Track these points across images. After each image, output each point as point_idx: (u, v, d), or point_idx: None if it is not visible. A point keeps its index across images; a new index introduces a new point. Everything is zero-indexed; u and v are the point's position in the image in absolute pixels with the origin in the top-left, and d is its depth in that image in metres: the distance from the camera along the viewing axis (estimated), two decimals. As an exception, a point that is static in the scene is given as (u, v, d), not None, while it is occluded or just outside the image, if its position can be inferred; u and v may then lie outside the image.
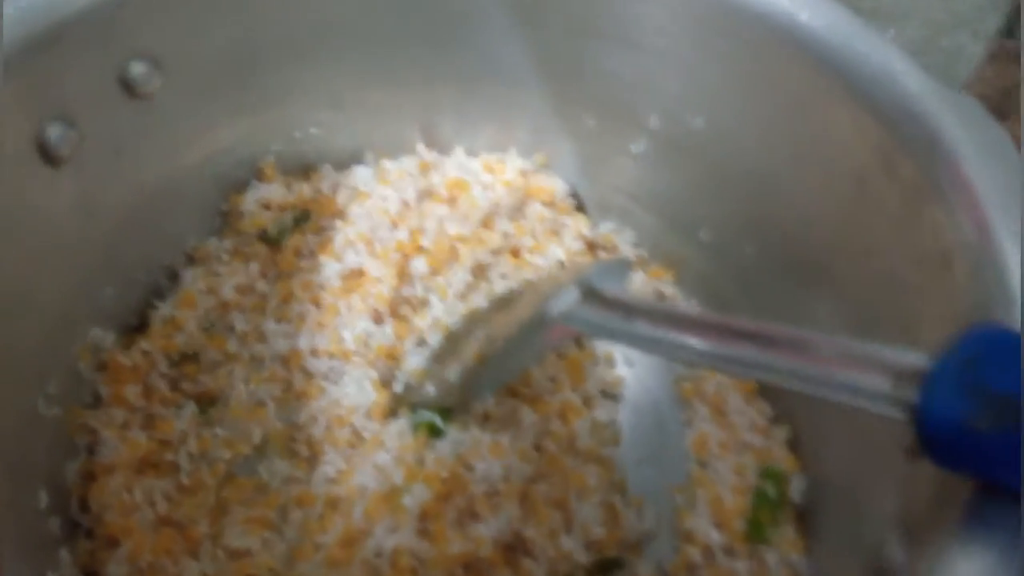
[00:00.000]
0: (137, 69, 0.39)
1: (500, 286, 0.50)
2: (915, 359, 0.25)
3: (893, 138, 0.35)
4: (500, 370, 0.41)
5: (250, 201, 0.48)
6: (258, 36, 0.43)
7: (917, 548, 0.24)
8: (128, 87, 0.39)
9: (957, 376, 0.23)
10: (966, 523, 0.23)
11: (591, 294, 0.37)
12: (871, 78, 0.36)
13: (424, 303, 0.49)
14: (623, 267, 0.41)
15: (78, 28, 0.36)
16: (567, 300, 0.38)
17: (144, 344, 0.44)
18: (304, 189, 0.49)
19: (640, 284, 0.52)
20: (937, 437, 0.23)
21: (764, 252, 0.45)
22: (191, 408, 0.44)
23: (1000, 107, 0.68)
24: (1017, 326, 0.26)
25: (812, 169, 0.40)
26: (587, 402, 0.47)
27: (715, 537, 0.41)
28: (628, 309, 0.35)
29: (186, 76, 0.41)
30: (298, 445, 0.44)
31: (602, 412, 0.47)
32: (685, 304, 0.50)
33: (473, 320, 0.45)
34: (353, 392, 0.45)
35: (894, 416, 0.25)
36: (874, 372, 0.26)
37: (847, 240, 0.38)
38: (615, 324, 0.35)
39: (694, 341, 0.32)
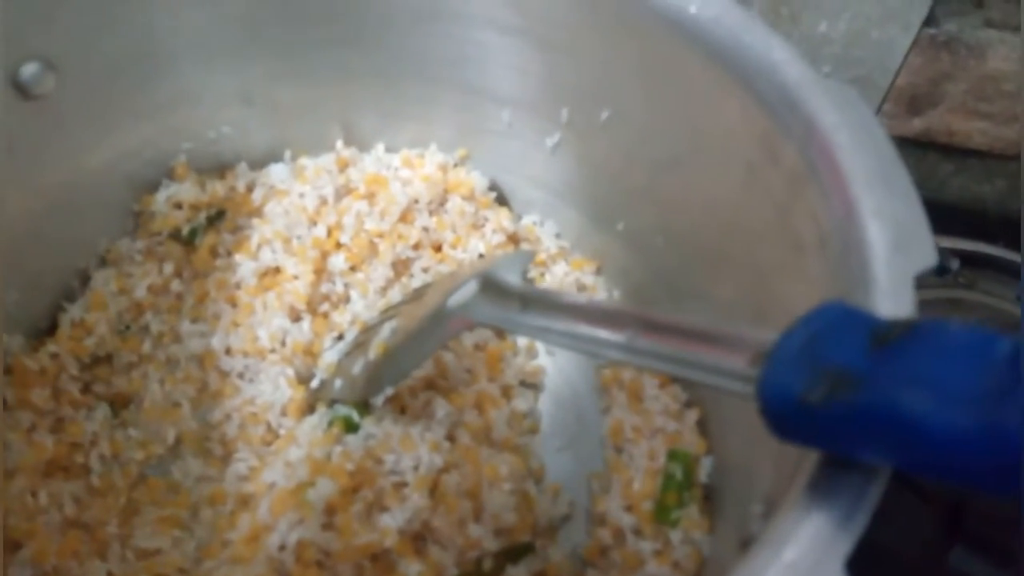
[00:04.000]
0: (29, 71, 0.39)
1: (421, 281, 0.50)
2: (769, 338, 0.25)
3: (775, 125, 0.35)
4: (402, 363, 0.41)
5: (161, 201, 0.48)
6: (156, 37, 0.43)
7: (771, 518, 0.24)
8: (20, 89, 0.39)
9: (796, 352, 0.24)
10: (808, 493, 0.23)
11: (489, 286, 0.38)
12: (754, 68, 0.36)
13: (345, 299, 0.50)
14: (525, 258, 0.42)
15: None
16: (466, 292, 0.38)
17: (52, 347, 0.44)
18: (218, 188, 0.49)
19: (562, 275, 0.53)
20: (774, 411, 0.23)
21: (672, 242, 0.46)
22: (104, 410, 0.44)
23: (931, 95, 0.70)
24: (872, 302, 0.27)
25: (708, 156, 0.41)
26: (506, 392, 0.48)
27: (626, 520, 0.42)
28: (523, 299, 0.36)
29: (82, 77, 0.41)
30: (212, 444, 0.44)
31: (521, 402, 0.48)
32: (602, 295, 0.51)
33: (385, 314, 0.45)
34: (268, 390, 0.45)
35: (748, 394, 0.25)
36: (733, 352, 0.26)
37: (741, 227, 0.39)
38: (511, 315, 0.36)
39: (582, 328, 0.33)
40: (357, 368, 0.42)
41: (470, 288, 0.38)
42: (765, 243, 0.37)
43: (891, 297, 0.27)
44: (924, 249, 0.28)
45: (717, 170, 0.40)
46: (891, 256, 0.29)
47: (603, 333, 0.32)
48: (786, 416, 0.23)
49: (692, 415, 0.44)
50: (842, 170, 0.32)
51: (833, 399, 0.22)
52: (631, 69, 0.42)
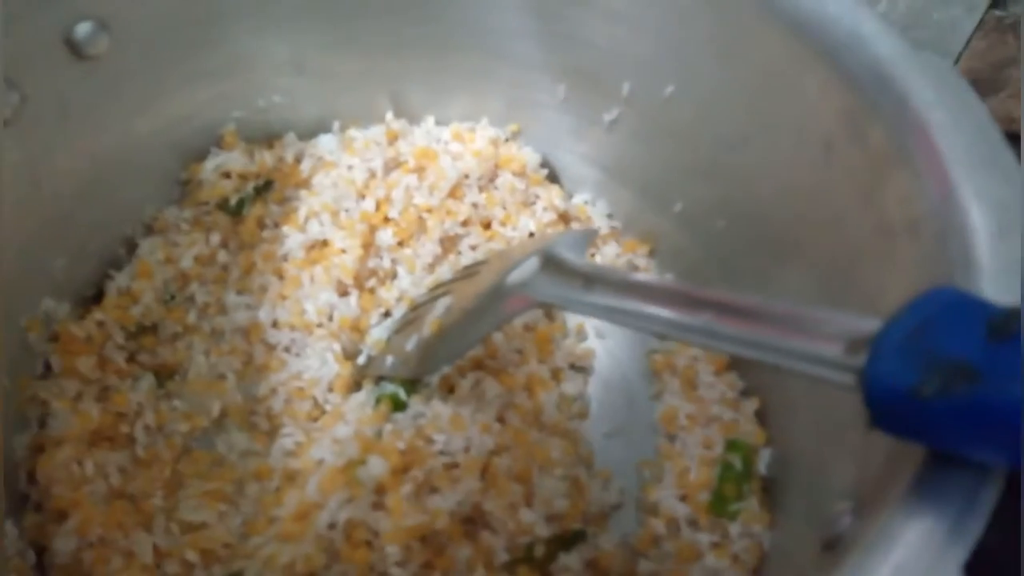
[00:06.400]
0: (83, 30, 0.38)
1: (469, 258, 0.49)
2: (868, 324, 0.24)
3: (862, 103, 0.33)
4: (457, 341, 0.40)
5: (209, 170, 0.47)
6: (210, 1, 0.41)
7: (866, 518, 0.23)
8: (74, 48, 0.38)
9: (906, 341, 0.22)
10: (915, 492, 0.22)
11: (550, 263, 0.36)
12: (841, 41, 0.34)
13: (391, 275, 0.49)
14: (587, 237, 0.40)
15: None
16: (526, 270, 0.37)
17: (98, 315, 0.43)
18: (266, 158, 0.48)
19: (614, 257, 0.51)
20: (883, 404, 0.22)
21: (735, 224, 0.44)
22: (149, 380, 0.43)
23: (993, 80, 0.67)
24: (976, 290, 0.25)
25: (781, 136, 0.39)
26: (555, 375, 0.47)
27: (680, 510, 0.40)
28: (587, 278, 0.34)
29: (136, 39, 0.40)
30: (258, 418, 0.43)
31: (570, 385, 0.47)
32: (653, 275, 0.50)
33: (436, 291, 0.44)
34: (315, 365, 0.44)
35: (847, 384, 0.24)
36: (827, 339, 0.25)
37: (816, 209, 0.37)
38: (573, 294, 0.35)
39: (652, 309, 0.31)
40: (410, 345, 0.41)
41: (531, 265, 0.37)
42: (845, 227, 0.35)
43: (998, 282, 0.26)
44: (1033, 234, 0.26)
45: (790, 149, 0.38)
46: (996, 242, 0.27)
47: (677, 315, 0.30)
48: (896, 409, 0.21)
49: (751, 404, 0.43)
50: (939, 150, 0.30)
51: (949, 392, 0.20)
52: (702, 41, 0.41)
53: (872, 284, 0.32)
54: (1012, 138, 0.73)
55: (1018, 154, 0.30)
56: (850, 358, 0.24)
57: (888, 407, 0.22)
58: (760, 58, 0.38)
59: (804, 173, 0.38)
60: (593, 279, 0.34)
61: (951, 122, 0.30)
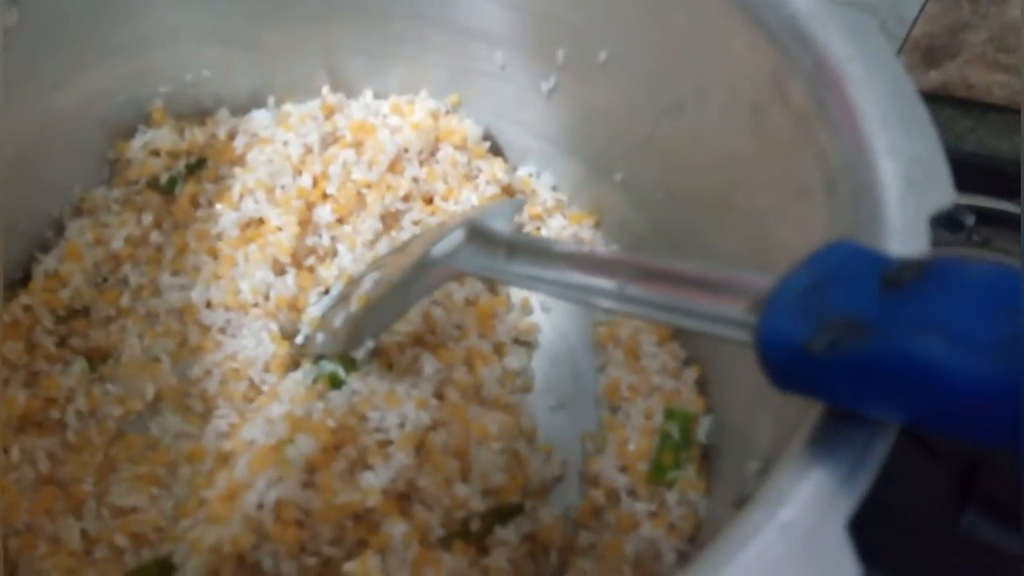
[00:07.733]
0: (-12, 2, 0.36)
1: (411, 234, 0.48)
2: (768, 282, 0.23)
3: (784, 61, 0.33)
4: (383, 315, 0.39)
5: (137, 148, 0.46)
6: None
7: (766, 476, 0.22)
8: (-20, 22, 0.37)
9: (800, 297, 0.21)
10: (808, 450, 0.22)
11: (475, 234, 0.36)
12: (762, -1, 0.34)
13: (332, 253, 0.48)
14: (514, 206, 0.40)
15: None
16: (451, 241, 0.36)
17: (25, 299, 0.42)
18: (197, 135, 0.47)
19: (559, 229, 0.51)
20: (776, 361, 0.21)
21: (674, 193, 0.44)
22: (80, 364, 0.42)
23: (948, 46, 0.66)
24: (882, 245, 0.25)
25: (713, 98, 0.38)
26: (498, 349, 0.46)
27: (620, 480, 0.40)
28: (510, 247, 0.34)
29: (48, 9, 0.39)
30: (192, 400, 0.43)
31: (514, 359, 0.46)
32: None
33: (371, 266, 0.43)
34: (251, 345, 0.43)
35: (747, 342, 0.23)
36: (731, 297, 0.24)
37: (746, 174, 0.37)
38: (497, 263, 0.34)
39: (569, 276, 0.31)
40: (339, 321, 0.40)
41: (455, 236, 0.36)
42: (769, 191, 0.35)
43: (903, 237, 0.25)
44: (941, 186, 0.26)
45: (723, 114, 0.38)
46: (904, 195, 0.26)
47: (593, 281, 0.30)
48: (787, 366, 0.21)
49: (691, 373, 0.43)
50: (853, 105, 0.29)
51: (839, 348, 0.20)
52: (630, 4, 0.40)
53: (792, 245, 0.32)
54: (969, 105, 0.73)
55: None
56: (749, 316, 0.23)
57: (781, 364, 0.21)
58: (687, 20, 0.37)
59: (736, 139, 0.37)
60: (516, 248, 0.34)
61: (867, 77, 0.30)
